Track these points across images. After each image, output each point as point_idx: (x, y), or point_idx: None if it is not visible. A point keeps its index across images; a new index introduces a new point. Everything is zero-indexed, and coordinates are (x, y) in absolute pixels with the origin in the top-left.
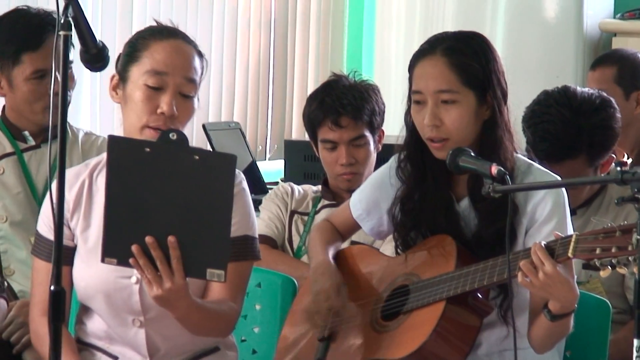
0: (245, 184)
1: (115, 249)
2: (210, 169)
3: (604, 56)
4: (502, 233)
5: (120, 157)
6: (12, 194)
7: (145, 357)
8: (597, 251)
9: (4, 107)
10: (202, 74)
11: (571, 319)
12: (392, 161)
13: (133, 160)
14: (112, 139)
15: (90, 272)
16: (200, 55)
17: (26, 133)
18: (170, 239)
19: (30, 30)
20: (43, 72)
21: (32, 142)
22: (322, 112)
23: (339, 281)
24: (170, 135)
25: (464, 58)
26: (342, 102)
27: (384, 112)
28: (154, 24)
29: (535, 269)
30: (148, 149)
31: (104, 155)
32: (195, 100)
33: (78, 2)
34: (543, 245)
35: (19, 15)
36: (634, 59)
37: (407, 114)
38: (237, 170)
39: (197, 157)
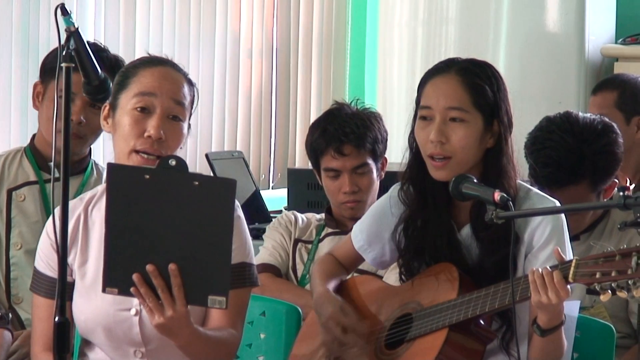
0: (240, 211)
1: (116, 278)
2: (210, 195)
3: (605, 81)
4: (503, 261)
5: (119, 185)
6: (30, 222)
7: None
8: (597, 275)
9: (33, 135)
10: (193, 101)
11: (562, 334)
12: (392, 190)
13: (133, 187)
14: (111, 167)
15: (90, 307)
16: (191, 83)
17: (51, 164)
18: (171, 266)
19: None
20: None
21: (56, 174)
22: (324, 140)
23: (340, 303)
24: (170, 161)
25: (478, 80)
26: (345, 131)
27: (386, 139)
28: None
29: (545, 288)
30: (147, 176)
31: (98, 188)
32: (185, 125)
33: (80, 34)
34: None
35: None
36: (635, 84)
37: (411, 135)
38: None
39: (196, 183)
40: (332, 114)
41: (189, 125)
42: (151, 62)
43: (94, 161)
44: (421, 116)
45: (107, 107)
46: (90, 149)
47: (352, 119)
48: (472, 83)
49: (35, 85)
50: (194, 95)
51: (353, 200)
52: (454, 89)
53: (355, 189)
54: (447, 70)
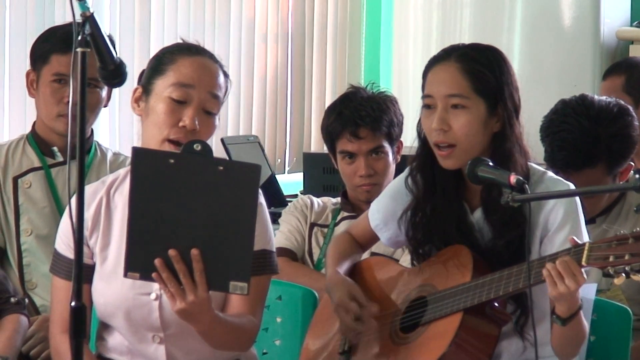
0: (262, 199)
1: (138, 263)
2: (234, 180)
3: (613, 66)
4: (516, 244)
5: (144, 169)
6: (38, 208)
7: None
8: (611, 259)
9: (34, 122)
10: (225, 93)
11: (582, 318)
12: (409, 170)
13: (157, 171)
14: (137, 151)
15: (110, 290)
16: (226, 74)
17: (55, 149)
18: (194, 251)
19: (66, 36)
20: (64, 77)
21: (60, 158)
22: (340, 124)
23: (348, 288)
24: (195, 146)
25: (477, 65)
26: (360, 114)
27: (402, 123)
28: (175, 40)
29: (561, 278)
30: (172, 161)
31: (121, 172)
32: (217, 118)
33: (95, 19)
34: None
35: (67, 24)
36: None
37: (419, 124)
38: None
39: (221, 168)
40: (347, 97)
41: (219, 117)
42: (189, 50)
43: (97, 142)
44: (425, 105)
45: (140, 90)
46: (92, 129)
47: (367, 102)
48: (471, 69)
49: (27, 74)
50: (227, 87)
51: (369, 184)
52: (453, 76)
53: (371, 172)
54: (447, 57)
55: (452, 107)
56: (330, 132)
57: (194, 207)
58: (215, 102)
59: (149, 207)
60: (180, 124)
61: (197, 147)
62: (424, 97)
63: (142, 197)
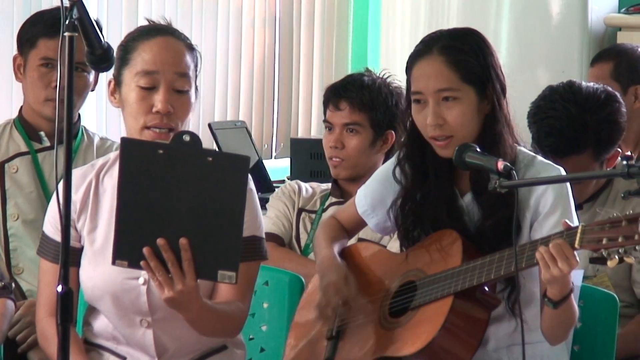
0: (252, 185)
1: (126, 251)
2: (223, 171)
3: (601, 52)
4: (505, 226)
5: (133, 159)
6: (25, 193)
7: (153, 358)
8: (604, 241)
9: (21, 107)
10: (197, 67)
11: (573, 302)
12: (396, 160)
13: (146, 162)
14: (125, 141)
15: (98, 274)
16: (191, 48)
17: (42, 134)
18: (182, 241)
19: (54, 20)
20: (52, 62)
21: (47, 143)
22: (329, 93)
23: (345, 272)
24: (184, 137)
25: (461, 55)
26: (347, 87)
27: (395, 115)
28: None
29: (554, 261)
30: (161, 151)
31: (110, 156)
32: (192, 94)
33: (82, 4)
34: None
35: (54, 8)
36: (632, 54)
37: (405, 114)
38: None
39: (210, 159)
40: (352, 75)
41: (196, 87)
42: (149, 33)
43: (84, 127)
44: (415, 100)
45: (113, 83)
46: (79, 114)
47: (364, 82)
48: (456, 60)
49: (14, 58)
50: (197, 61)
51: (336, 157)
52: (440, 70)
53: (340, 145)
54: (429, 51)
55: (444, 100)
56: (323, 101)
57: (183, 197)
58: (184, 80)
59: (137, 197)
60: (154, 109)
61: (186, 138)
62: (413, 93)
63: (130, 187)
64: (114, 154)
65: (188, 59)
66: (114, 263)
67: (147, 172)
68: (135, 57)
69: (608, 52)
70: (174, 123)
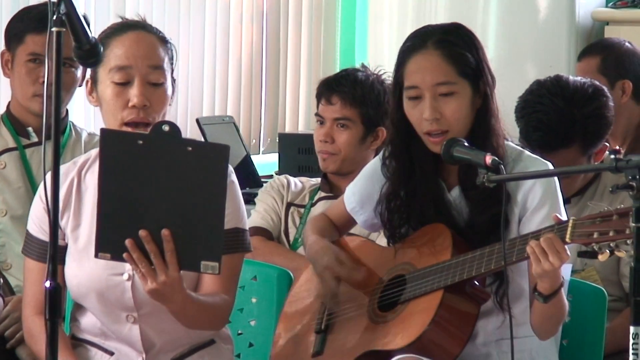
0: (234, 177)
1: (108, 243)
2: (203, 160)
3: (588, 47)
4: (494, 221)
5: (112, 150)
6: (13, 189)
7: (140, 353)
8: (595, 235)
9: (9, 103)
10: (172, 60)
11: (563, 296)
12: (382, 158)
13: (126, 153)
14: (105, 132)
15: (82, 271)
16: (164, 41)
17: (30, 129)
18: (164, 232)
19: (41, 16)
20: (39, 57)
21: (34, 139)
22: (322, 87)
23: (336, 252)
24: (163, 127)
25: (457, 49)
26: (340, 82)
27: (386, 111)
28: (151, 21)
29: (545, 255)
30: (141, 142)
31: (92, 152)
32: (167, 85)
33: None
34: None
35: (41, 3)
36: (619, 48)
37: (394, 112)
38: None
39: (190, 149)
40: (346, 70)
41: (174, 79)
42: (121, 29)
43: (72, 122)
44: (409, 96)
45: (90, 82)
46: (67, 110)
47: (357, 77)
48: (453, 53)
49: (2, 54)
50: (171, 54)
51: (325, 151)
52: (437, 64)
53: (329, 139)
54: (424, 45)
55: (441, 95)
56: (316, 95)
57: (164, 188)
58: (158, 73)
59: (118, 188)
60: (130, 104)
61: (166, 128)
62: (407, 89)
63: (111, 178)
64: (95, 151)
65: (161, 51)
66: (96, 256)
67: (127, 162)
68: (108, 54)
69: (595, 47)
70: (151, 117)
